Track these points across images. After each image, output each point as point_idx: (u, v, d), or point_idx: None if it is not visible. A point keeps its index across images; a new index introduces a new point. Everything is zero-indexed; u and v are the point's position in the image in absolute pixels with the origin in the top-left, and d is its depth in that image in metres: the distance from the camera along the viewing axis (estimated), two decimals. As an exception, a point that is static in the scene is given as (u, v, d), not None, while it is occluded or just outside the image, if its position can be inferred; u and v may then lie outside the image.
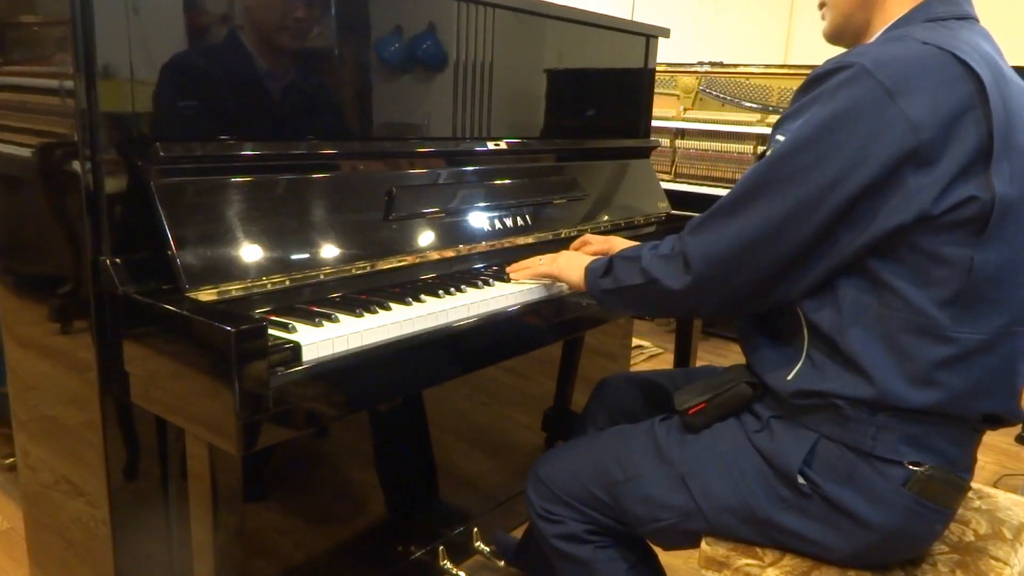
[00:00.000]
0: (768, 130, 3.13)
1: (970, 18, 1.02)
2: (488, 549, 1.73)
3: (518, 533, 1.74)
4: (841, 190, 0.91)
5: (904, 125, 0.88)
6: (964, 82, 0.89)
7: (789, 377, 1.03)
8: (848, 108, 0.91)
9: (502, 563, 1.68)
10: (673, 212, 2.00)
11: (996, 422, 1.01)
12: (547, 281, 1.36)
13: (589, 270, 1.22)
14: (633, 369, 2.76)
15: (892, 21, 1.03)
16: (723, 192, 3.30)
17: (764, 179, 0.97)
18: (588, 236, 1.58)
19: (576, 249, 1.55)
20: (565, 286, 1.37)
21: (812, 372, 1.01)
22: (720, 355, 3.43)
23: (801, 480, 1.01)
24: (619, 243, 1.54)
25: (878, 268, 0.94)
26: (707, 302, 1.07)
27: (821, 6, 1.13)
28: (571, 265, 1.29)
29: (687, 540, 1.14)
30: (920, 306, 0.93)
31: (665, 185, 2.21)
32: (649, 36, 2.05)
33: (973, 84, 0.89)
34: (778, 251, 0.97)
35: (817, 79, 0.96)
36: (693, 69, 3.47)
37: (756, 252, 0.98)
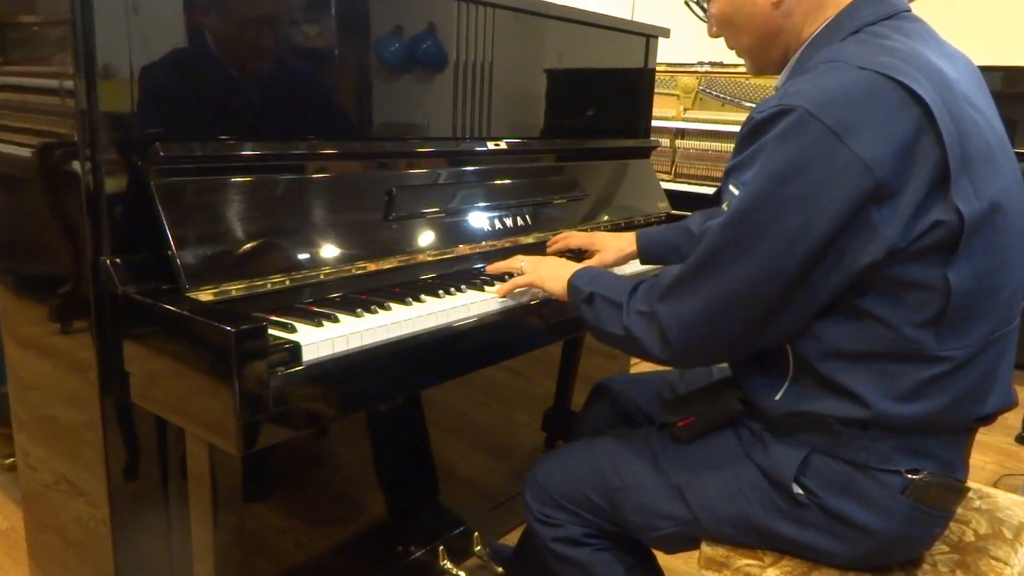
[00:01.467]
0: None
1: (899, 13, 0.98)
2: (487, 551, 1.73)
3: (517, 532, 1.74)
4: (806, 240, 0.88)
5: (858, 166, 0.85)
6: (909, 108, 0.86)
7: (777, 398, 1.02)
8: (798, 157, 0.88)
9: (500, 569, 1.68)
10: (673, 212, 2.00)
11: (990, 419, 1.01)
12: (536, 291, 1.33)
13: (572, 287, 1.17)
14: (633, 370, 2.75)
15: (809, 39, 1.01)
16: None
17: (727, 239, 0.94)
18: (568, 233, 1.57)
19: (556, 243, 1.55)
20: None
21: (799, 394, 1.00)
22: (720, 355, 3.42)
23: (798, 490, 1.01)
24: (602, 239, 1.54)
25: (856, 302, 0.92)
26: (692, 364, 1.07)
27: (732, 48, 1.11)
28: (553, 275, 1.23)
29: (686, 545, 1.14)
30: (903, 331, 0.91)
31: (665, 185, 2.21)
32: (649, 36, 2.05)
33: (919, 108, 0.86)
34: (753, 308, 0.94)
35: (760, 126, 0.93)
36: (693, 69, 3.47)
37: (730, 312, 0.95)
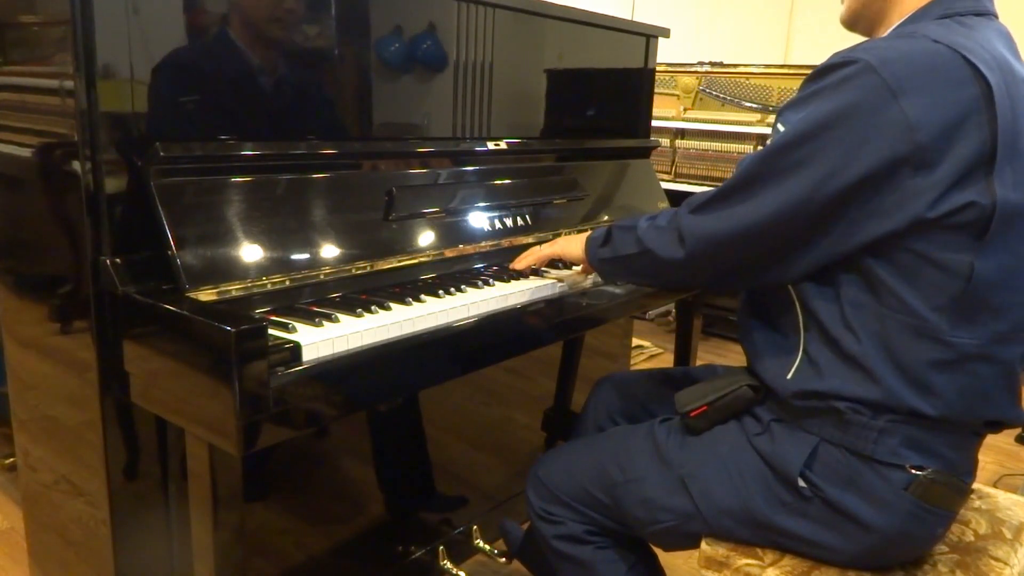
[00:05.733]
0: (768, 130, 3.13)
1: (989, 14, 1.01)
2: (488, 547, 1.73)
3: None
4: (833, 184, 0.92)
5: (902, 126, 0.87)
6: (970, 84, 0.88)
7: (788, 376, 1.03)
8: (849, 105, 0.91)
9: (503, 560, 1.67)
10: (673, 212, 2.00)
11: (997, 426, 1.01)
12: (551, 280, 1.36)
13: (590, 239, 1.25)
14: (633, 369, 2.75)
15: (908, 14, 1.02)
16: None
17: (762, 169, 0.98)
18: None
19: None
20: (564, 286, 1.37)
21: (810, 370, 1.01)
22: (720, 355, 3.43)
23: (802, 483, 1.01)
24: None
25: (875, 268, 0.94)
26: (698, 276, 1.12)
27: None
28: (572, 241, 1.32)
29: (687, 541, 1.14)
30: (915, 309, 0.93)
31: (665, 185, 2.21)
32: (649, 36, 2.05)
33: (980, 87, 0.88)
34: (771, 239, 0.99)
35: (823, 72, 0.96)
36: (693, 69, 3.47)
37: (750, 239, 1.00)
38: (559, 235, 1.60)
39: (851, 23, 1.12)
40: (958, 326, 0.93)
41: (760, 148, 1.03)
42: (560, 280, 1.39)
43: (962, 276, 0.91)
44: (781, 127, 0.98)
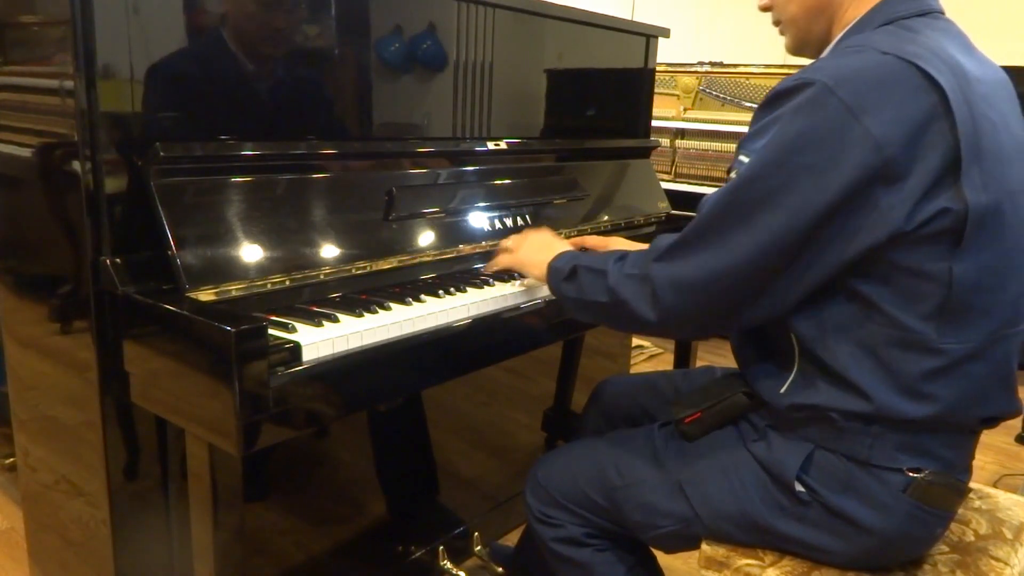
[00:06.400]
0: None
1: (933, 12, 0.99)
2: (487, 551, 1.73)
3: (518, 532, 1.74)
4: (809, 213, 0.88)
5: (868, 144, 0.86)
6: (926, 93, 0.87)
7: (782, 391, 1.02)
8: (811, 129, 0.88)
9: (500, 569, 1.68)
10: (673, 212, 2.00)
11: (994, 422, 1.01)
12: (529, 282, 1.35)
13: (552, 269, 1.17)
14: (633, 369, 2.75)
15: (850, 24, 1.01)
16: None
17: (731, 205, 0.94)
18: (586, 238, 1.58)
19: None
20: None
21: (804, 386, 1.00)
22: (720, 355, 3.43)
23: (799, 488, 1.01)
24: (616, 243, 1.54)
25: (858, 286, 0.93)
26: (679, 330, 1.06)
27: (777, 23, 1.11)
28: (533, 260, 1.24)
29: (687, 545, 1.14)
30: (903, 321, 0.92)
31: (665, 185, 2.21)
32: (649, 36, 2.05)
33: (936, 95, 0.87)
34: (750, 277, 0.94)
35: (778, 97, 0.94)
36: (693, 69, 3.47)
37: (727, 280, 0.95)
38: (559, 235, 1.60)
39: (798, 50, 1.11)
40: (946, 332, 0.92)
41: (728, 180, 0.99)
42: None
43: (944, 283, 0.90)
44: (744, 158, 0.95)
